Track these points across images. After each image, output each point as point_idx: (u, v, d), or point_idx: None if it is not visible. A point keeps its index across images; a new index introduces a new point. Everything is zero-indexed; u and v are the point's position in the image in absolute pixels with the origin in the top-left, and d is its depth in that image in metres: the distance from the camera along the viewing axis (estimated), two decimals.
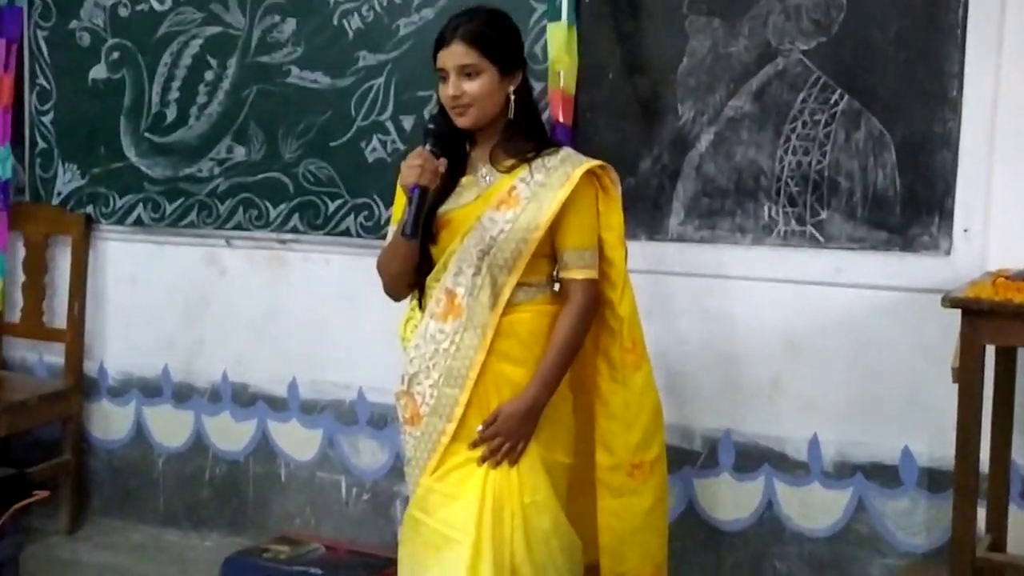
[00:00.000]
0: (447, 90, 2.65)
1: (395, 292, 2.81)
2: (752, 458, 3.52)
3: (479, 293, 2.67)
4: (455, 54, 2.63)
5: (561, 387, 2.72)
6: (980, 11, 3.19)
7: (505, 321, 2.68)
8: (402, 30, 3.84)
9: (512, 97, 2.69)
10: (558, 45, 3.49)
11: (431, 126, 2.71)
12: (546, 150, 2.73)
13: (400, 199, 2.74)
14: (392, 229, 2.77)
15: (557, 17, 3.49)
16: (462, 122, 2.68)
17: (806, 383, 3.45)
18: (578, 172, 2.68)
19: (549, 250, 2.72)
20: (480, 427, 2.67)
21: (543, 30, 3.56)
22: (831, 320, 3.41)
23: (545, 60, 3.56)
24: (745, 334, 3.51)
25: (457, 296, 2.69)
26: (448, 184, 2.72)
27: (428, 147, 2.65)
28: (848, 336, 3.39)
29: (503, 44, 2.67)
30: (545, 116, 3.38)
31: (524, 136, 2.73)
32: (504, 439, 2.64)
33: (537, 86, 3.22)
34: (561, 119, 3.48)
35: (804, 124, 3.38)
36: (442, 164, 2.65)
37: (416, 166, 2.61)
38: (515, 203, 2.67)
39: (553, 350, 2.68)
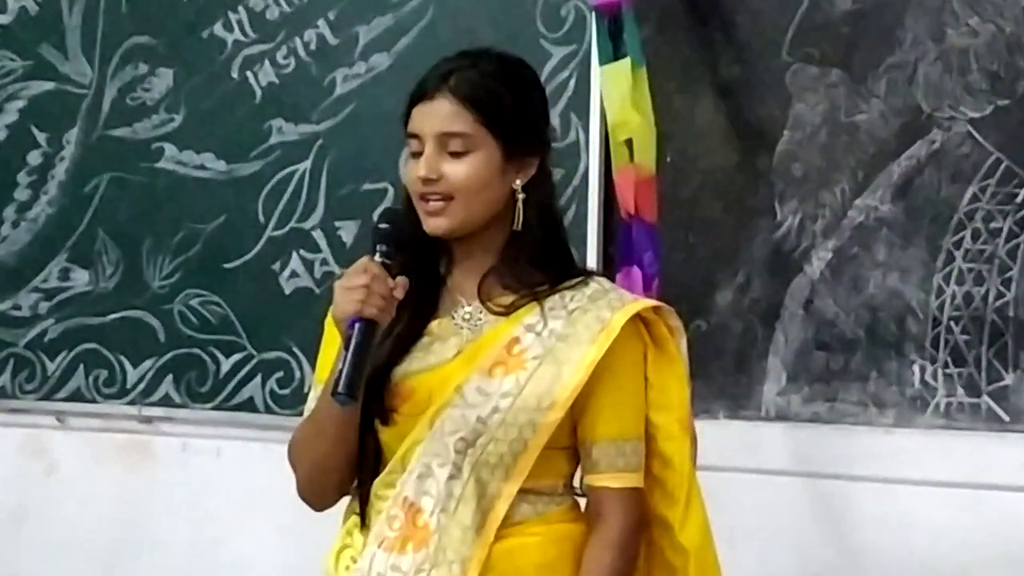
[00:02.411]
0: (417, 169, 2.61)
1: (315, 494, 2.73)
2: None
3: (458, 508, 2.60)
4: (438, 114, 2.60)
5: None
6: None
7: (500, 551, 2.61)
8: (339, 87, 3.94)
9: (520, 196, 2.66)
10: (620, 98, 3.47)
11: (383, 225, 2.64)
12: (567, 281, 2.69)
13: (331, 343, 2.67)
14: (317, 392, 2.69)
15: (611, 56, 3.48)
16: (436, 225, 2.62)
17: None
18: (619, 318, 2.62)
19: (570, 441, 2.67)
20: None
21: (563, 86, 3.63)
22: (1021, 545, 3.38)
23: (564, 136, 3.60)
24: (886, 567, 3.50)
25: (423, 512, 2.62)
26: (411, 327, 2.67)
27: (379, 257, 2.56)
28: None
29: (517, 109, 2.63)
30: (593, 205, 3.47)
31: (535, 259, 2.68)
32: None
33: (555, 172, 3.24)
34: (636, 211, 3.45)
35: (976, 235, 3.41)
36: (401, 285, 2.56)
37: (359, 287, 2.50)
38: (519, 365, 2.61)
39: None
